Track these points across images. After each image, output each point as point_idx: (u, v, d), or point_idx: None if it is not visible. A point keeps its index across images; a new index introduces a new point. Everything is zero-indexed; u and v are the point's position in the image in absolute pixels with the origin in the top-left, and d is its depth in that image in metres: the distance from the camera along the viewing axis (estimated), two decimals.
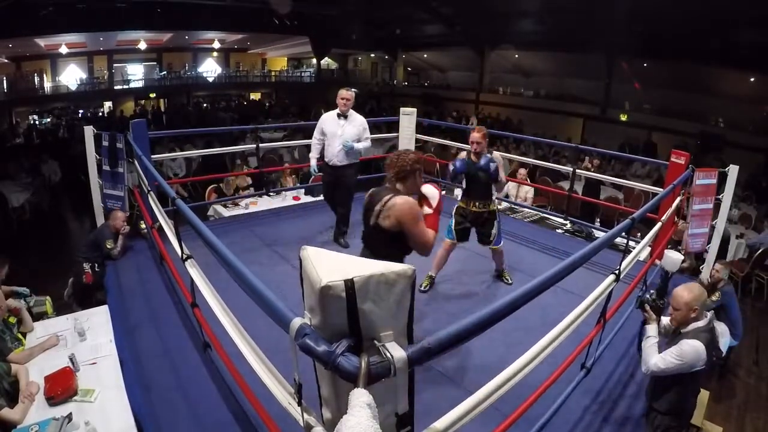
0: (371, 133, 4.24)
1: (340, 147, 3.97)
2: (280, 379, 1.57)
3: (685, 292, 2.13)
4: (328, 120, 4.04)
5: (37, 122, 15.54)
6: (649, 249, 3.94)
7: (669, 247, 3.97)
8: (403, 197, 2.05)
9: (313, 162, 4.23)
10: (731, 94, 11.39)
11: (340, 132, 3.97)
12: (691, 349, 2.06)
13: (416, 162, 2.13)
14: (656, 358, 2.15)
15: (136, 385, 2.44)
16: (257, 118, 13.61)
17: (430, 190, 2.23)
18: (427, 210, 2.20)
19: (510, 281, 3.78)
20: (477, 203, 3.53)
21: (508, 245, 4.52)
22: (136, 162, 4.06)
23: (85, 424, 2.11)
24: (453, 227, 3.57)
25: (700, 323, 2.13)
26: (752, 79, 11.10)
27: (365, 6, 15.70)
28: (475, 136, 3.38)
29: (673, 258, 2.52)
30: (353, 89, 4.14)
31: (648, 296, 2.34)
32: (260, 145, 5.20)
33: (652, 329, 2.28)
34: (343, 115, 3.99)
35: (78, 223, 7.92)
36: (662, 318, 2.35)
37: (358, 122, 4.05)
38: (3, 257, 3.54)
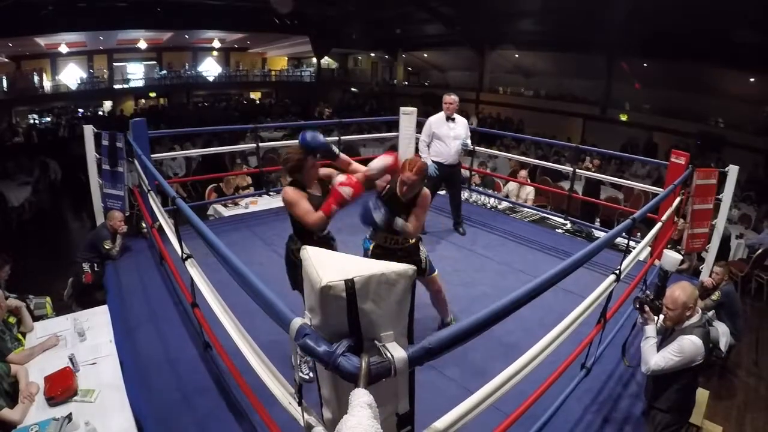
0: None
1: (457, 147, 4.33)
2: (281, 379, 1.57)
3: (679, 292, 2.14)
4: (437, 123, 4.39)
5: (36, 122, 15.54)
6: (649, 249, 3.94)
7: (669, 247, 3.97)
8: (287, 187, 2.47)
9: (430, 161, 4.36)
10: (731, 94, 11.37)
11: (453, 134, 4.34)
12: (690, 344, 2.08)
13: (298, 160, 2.44)
14: (656, 358, 2.16)
15: (136, 385, 2.44)
16: (257, 118, 13.62)
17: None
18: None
19: None
20: (390, 238, 2.67)
21: (509, 245, 4.55)
22: (136, 161, 4.06)
23: (85, 424, 2.11)
24: (370, 252, 2.74)
25: (694, 319, 2.16)
26: (752, 79, 11.09)
27: (365, 6, 15.68)
28: (409, 176, 2.48)
29: (671, 257, 2.53)
30: (454, 94, 4.52)
31: (645, 296, 2.35)
32: (260, 144, 5.20)
33: (650, 330, 2.29)
34: (450, 118, 4.38)
35: (78, 223, 7.91)
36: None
37: (463, 123, 4.47)
38: (3, 256, 3.54)
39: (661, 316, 2.31)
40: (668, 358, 2.12)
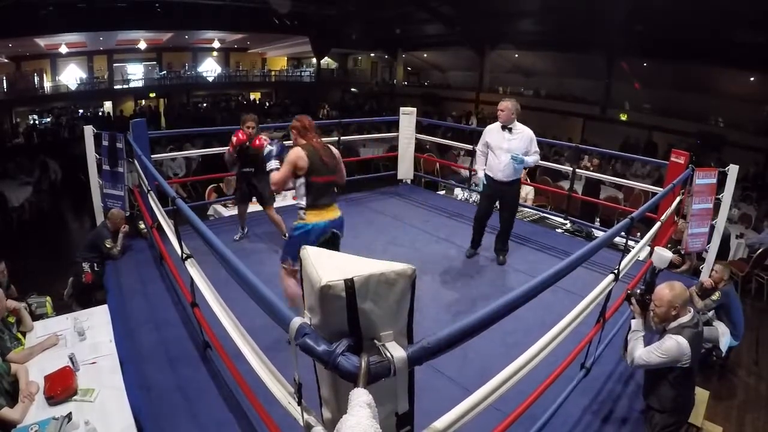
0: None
1: (508, 161, 3.68)
2: (280, 378, 1.57)
3: (666, 290, 2.15)
4: (491, 132, 3.82)
5: (37, 122, 15.54)
6: (648, 248, 3.94)
7: (668, 246, 3.96)
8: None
9: (481, 173, 3.93)
10: (731, 94, 11.38)
11: (506, 146, 3.70)
12: (674, 344, 2.07)
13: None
14: (640, 351, 2.18)
15: (136, 385, 2.44)
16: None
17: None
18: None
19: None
20: None
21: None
22: (136, 162, 4.06)
23: (84, 423, 2.11)
24: None
25: (684, 319, 2.15)
26: (752, 79, 11.10)
27: (365, 6, 15.69)
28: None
29: (662, 255, 2.54)
30: (511, 99, 3.79)
31: (636, 290, 2.37)
32: None
33: (636, 323, 2.31)
34: (506, 127, 3.73)
35: (78, 223, 7.92)
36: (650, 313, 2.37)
37: (525, 135, 3.73)
38: None
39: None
40: (652, 355, 2.12)
